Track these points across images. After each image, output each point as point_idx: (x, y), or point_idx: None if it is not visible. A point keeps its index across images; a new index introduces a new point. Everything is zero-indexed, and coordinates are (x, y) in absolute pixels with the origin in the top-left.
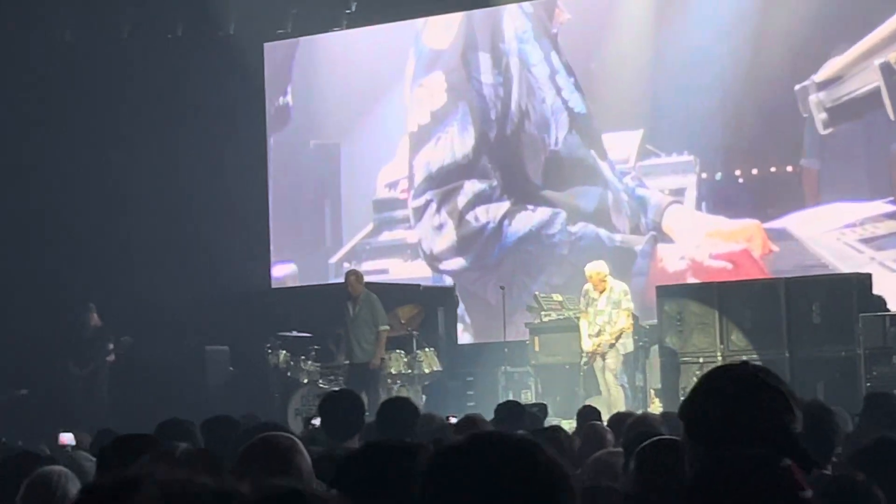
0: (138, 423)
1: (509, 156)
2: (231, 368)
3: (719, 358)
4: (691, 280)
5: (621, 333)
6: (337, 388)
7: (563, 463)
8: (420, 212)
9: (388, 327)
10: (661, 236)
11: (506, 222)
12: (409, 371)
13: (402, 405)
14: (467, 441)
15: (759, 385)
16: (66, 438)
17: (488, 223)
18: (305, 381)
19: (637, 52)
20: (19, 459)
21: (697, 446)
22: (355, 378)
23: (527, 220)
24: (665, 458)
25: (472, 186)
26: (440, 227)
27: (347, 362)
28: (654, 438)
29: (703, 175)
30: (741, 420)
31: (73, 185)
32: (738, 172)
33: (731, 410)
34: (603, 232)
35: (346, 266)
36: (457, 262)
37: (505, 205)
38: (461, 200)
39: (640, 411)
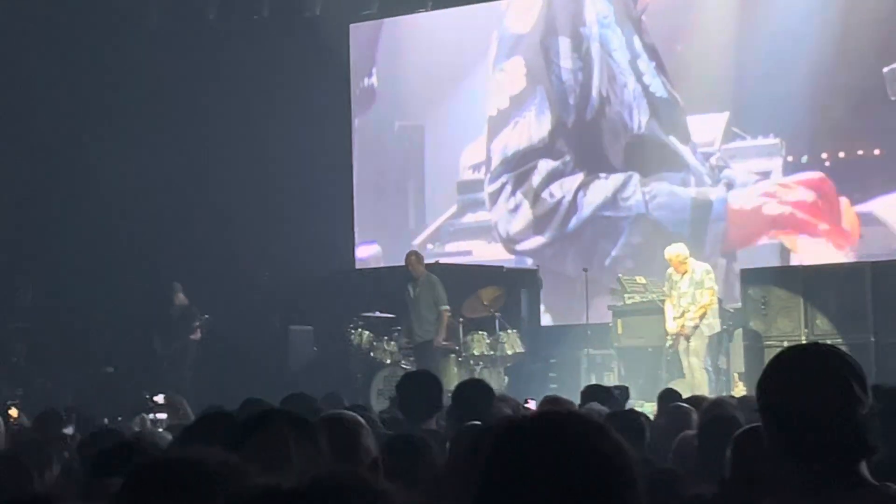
0: (221, 402)
1: (589, 141)
2: (315, 348)
3: (804, 342)
4: (770, 212)
5: (705, 312)
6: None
7: (628, 449)
8: (495, 196)
9: (448, 307)
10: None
11: (580, 194)
12: (492, 353)
13: (476, 387)
14: (530, 419)
15: (820, 369)
16: (158, 399)
17: (563, 197)
18: (388, 361)
19: (722, 34)
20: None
21: (770, 427)
22: (419, 357)
23: (601, 188)
24: (762, 445)
25: (545, 165)
26: (515, 208)
27: (409, 344)
28: (752, 425)
29: (789, 158)
30: (801, 403)
31: (160, 166)
32: (824, 155)
33: (792, 393)
34: (678, 188)
35: (430, 247)
36: (535, 241)
37: (578, 177)
38: (535, 179)
39: (723, 394)
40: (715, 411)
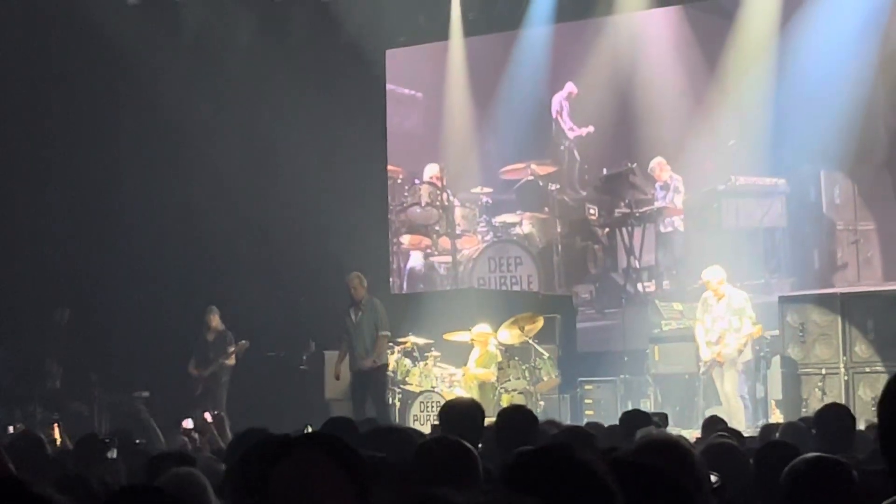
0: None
1: None
2: (336, 377)
3: (842, 369)
4: None
5: (748, 340)
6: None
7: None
8: None
9: (388, 333)
10: None
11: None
12: (528, 378)
13: (519, 413)
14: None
15: None
16: (187, 423)
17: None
18: (424, 387)
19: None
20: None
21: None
22: (359, 385)
23: None
24: (824, 480)
25: None
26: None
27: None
28: (812, 456)
29: (825, 186)
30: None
31: (196, 189)
32: (862, 182)
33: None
34: None
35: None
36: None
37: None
38: None
39: (760, 422)
40: (770, 437)
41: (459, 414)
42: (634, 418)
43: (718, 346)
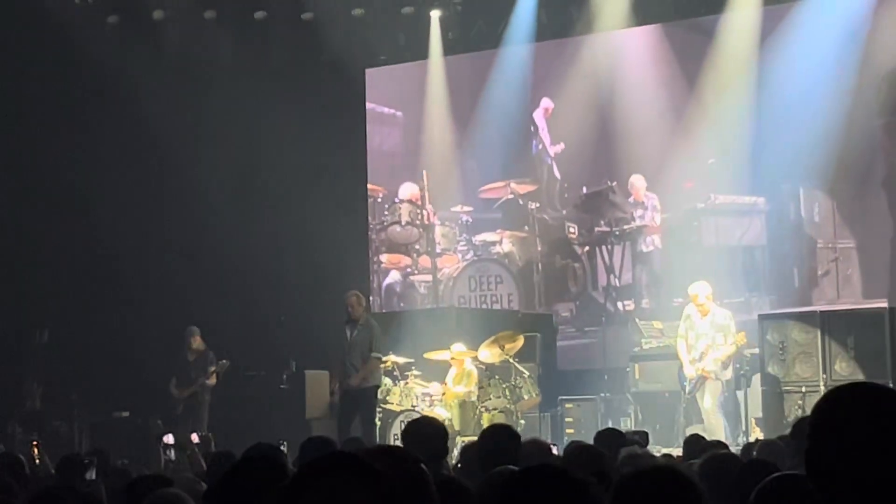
0: (237, 447)
1: None
2: (332, 393)
3: (822, 387)
4: None
5: (734, 351)
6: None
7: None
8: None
9: (380, 355)
10: None
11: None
12: (508, 397)
13: (502, 432)
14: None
15: (873, 413)
16: (168, 439)
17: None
18: (405, 406)
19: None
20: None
21: (815, 481)
22: (348, 404)
23: None
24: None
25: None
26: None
27: (340, 388)
28: (778, 475)
29: (804, 205)
30: (849, 455)
31: (175, 211)
32: (840, 201)
33: (839, 444)
34: None
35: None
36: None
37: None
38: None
39: (741, 440)
40: (753, 454)
41: (423, 435)
42: (610, 437)
43: (702, 362)
